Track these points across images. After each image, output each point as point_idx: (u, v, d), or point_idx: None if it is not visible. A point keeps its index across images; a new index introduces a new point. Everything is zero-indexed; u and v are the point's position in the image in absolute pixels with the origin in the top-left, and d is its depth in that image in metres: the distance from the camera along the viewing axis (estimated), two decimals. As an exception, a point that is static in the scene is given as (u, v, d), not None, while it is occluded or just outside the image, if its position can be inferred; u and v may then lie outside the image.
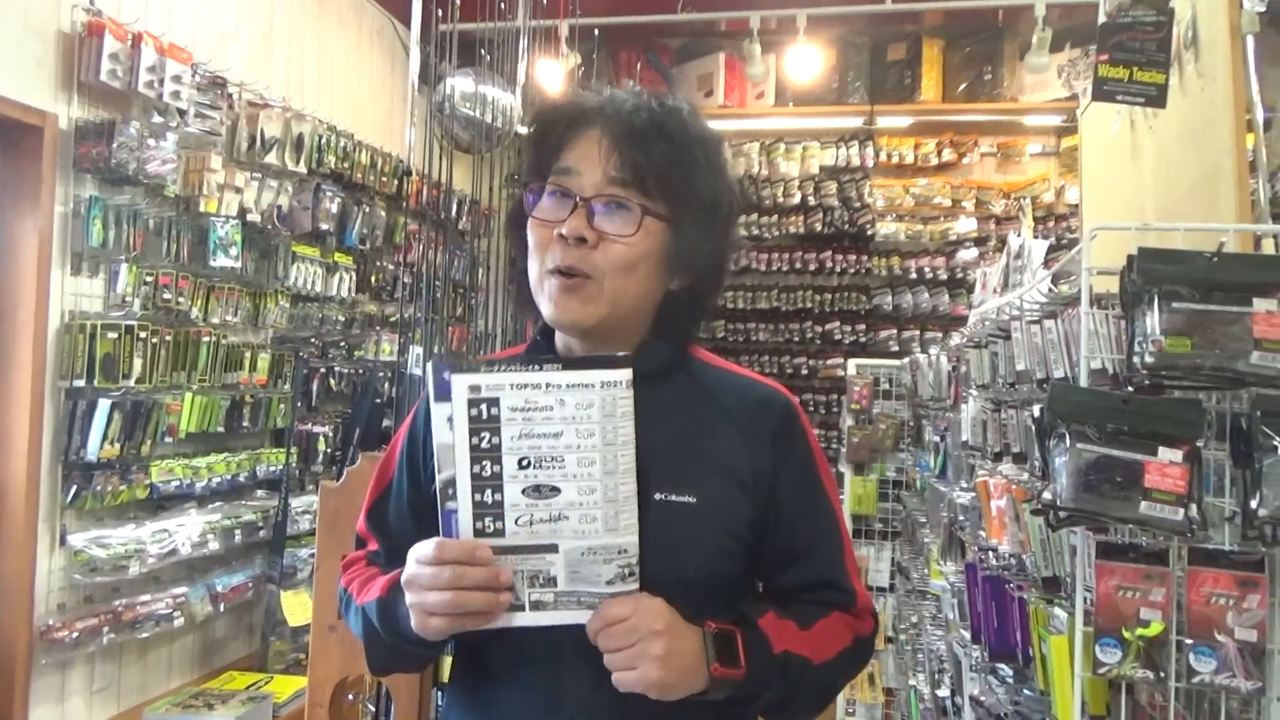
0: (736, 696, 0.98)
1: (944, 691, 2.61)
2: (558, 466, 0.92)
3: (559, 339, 1.10)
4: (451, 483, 0.93)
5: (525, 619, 0.94)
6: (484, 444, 0.92)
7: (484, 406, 0.92)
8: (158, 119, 3.11)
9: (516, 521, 0.92)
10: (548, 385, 0.92)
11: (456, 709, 1.11)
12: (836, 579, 1.09)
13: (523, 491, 0.92)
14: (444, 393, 0.93)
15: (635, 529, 0.93)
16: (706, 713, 0.96)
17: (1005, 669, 1.90)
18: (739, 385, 1.10)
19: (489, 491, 0.93)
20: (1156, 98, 1.45)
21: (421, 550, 0.95)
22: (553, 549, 0.92)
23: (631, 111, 1.02)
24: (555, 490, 0.92)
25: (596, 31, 4.23)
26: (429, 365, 0.96)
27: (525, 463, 0.92)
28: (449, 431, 0.93)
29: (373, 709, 1.82)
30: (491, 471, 0.92)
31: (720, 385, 1.09)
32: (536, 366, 0.93)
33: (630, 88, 1.08)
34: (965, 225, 5.27)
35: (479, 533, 0.93)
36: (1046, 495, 1.25)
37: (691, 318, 1.10)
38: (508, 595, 0.93)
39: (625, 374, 0.93)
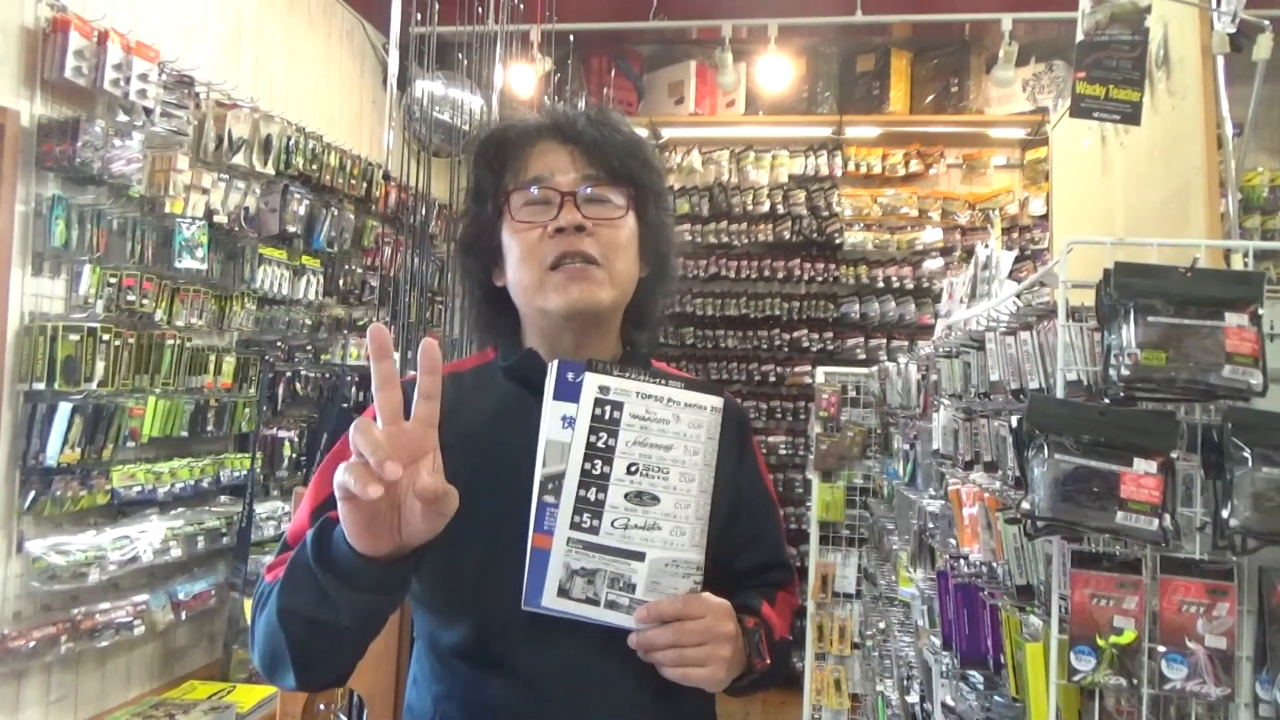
0: (745, 680, 1.06)
1: (913, 697, 2.63)
2: (662, 478, 0.97)
3: (536, 346, 1.14)
4: (556, 477, 0.97)
5: (598, 614, 0.97)
6: (600, 444, 0.97)
7: (608, 408, 0.97)
8: (123, 118, 3.05)
9: (613, 524, 0.97)
10: (669, 400, 0.98)
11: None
12: (782, 558, 1.25)
13: (625, 496, 0.97)
14: (563, 393, 0.98)
15: (703, 548, 0.99)
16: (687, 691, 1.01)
17: (976, 675, 1.91)
18: None
19: (594, 490, 0.97)
20: (1131, 115, 1.48)
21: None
22: (639, 556, 0.97)
23: (581, 117, 1.12)
24: (655, 500, 0.97)
25: (572, 38, 4.23)
26: (554, 364, 0.99)
27: (634, 469, 0.97)
28: (562, 429, 0.97)
29: (345, 719, 1.79)
30: (601, 471, 0.97)
31: None
32: (662, 381, 0.99)
33: (561, 102, 1.20)
34: (931, 235, 5.33)
35: (575, 525, 0.97)
36: (1025, 505, 1.26)
37: (658, 306, 1.20)
38: (394, 467, 0.82)
39: (722, 402, 1.01)
